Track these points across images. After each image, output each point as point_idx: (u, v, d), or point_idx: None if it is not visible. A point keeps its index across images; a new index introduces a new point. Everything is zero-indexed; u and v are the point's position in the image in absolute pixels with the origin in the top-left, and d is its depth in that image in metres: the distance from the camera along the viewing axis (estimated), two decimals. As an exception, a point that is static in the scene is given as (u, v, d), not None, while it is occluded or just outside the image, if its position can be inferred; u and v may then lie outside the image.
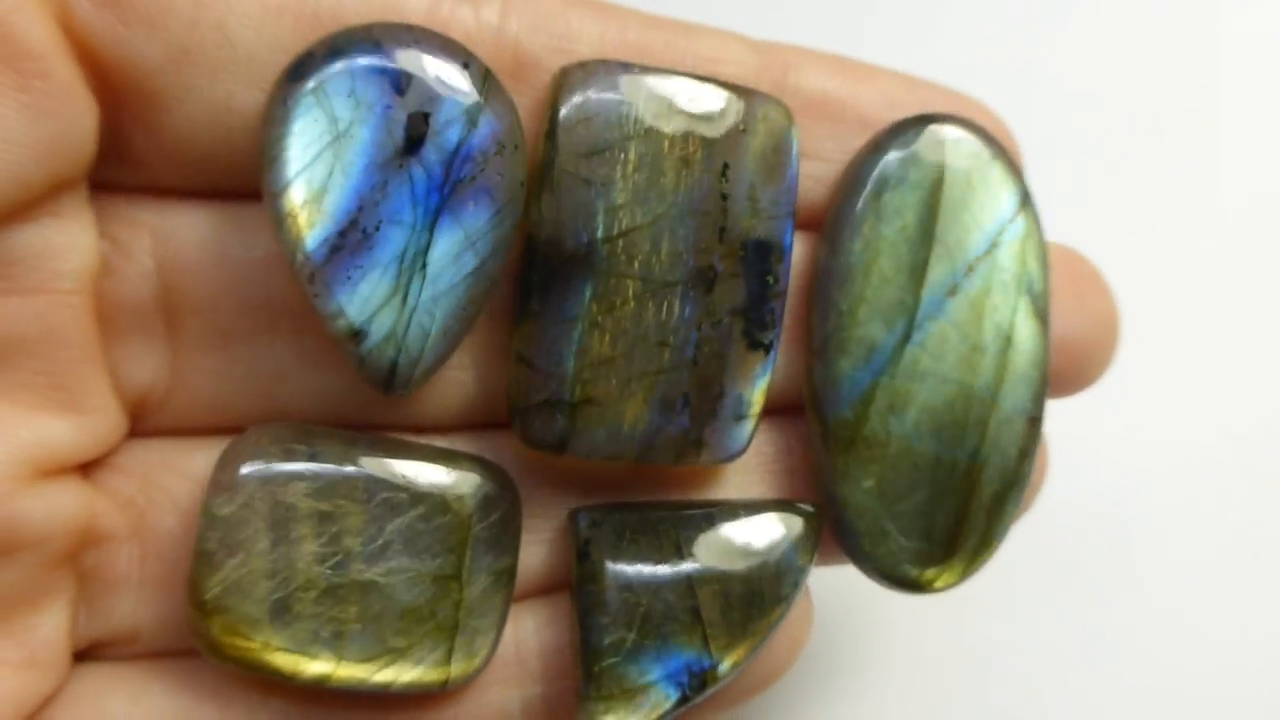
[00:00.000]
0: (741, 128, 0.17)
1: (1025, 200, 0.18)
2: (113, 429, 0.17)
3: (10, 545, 0.16)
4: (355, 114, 0.15)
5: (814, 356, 0.18)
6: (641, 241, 0.17)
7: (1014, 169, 0.19)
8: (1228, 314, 0.27)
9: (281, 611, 0.16)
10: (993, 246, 0.18)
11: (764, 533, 0.18)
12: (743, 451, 0.18)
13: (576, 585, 0.18)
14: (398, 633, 0.17)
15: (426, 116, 0.16)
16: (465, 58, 0.16)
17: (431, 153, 0.16)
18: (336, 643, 0.16)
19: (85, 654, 0.17)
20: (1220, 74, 0.29)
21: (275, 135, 0.15)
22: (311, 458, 0.17)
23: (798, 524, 0.18)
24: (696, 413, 0.17)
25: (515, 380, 0.17)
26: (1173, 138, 0.28)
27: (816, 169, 0.19)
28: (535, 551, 0.19)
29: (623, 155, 0.17)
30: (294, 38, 0.16)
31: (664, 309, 0.17)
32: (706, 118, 0.17)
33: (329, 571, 0.16)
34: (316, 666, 0.16)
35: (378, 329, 0.16)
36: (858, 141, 0.19)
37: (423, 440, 0.18)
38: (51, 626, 0.17)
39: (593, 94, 0.17)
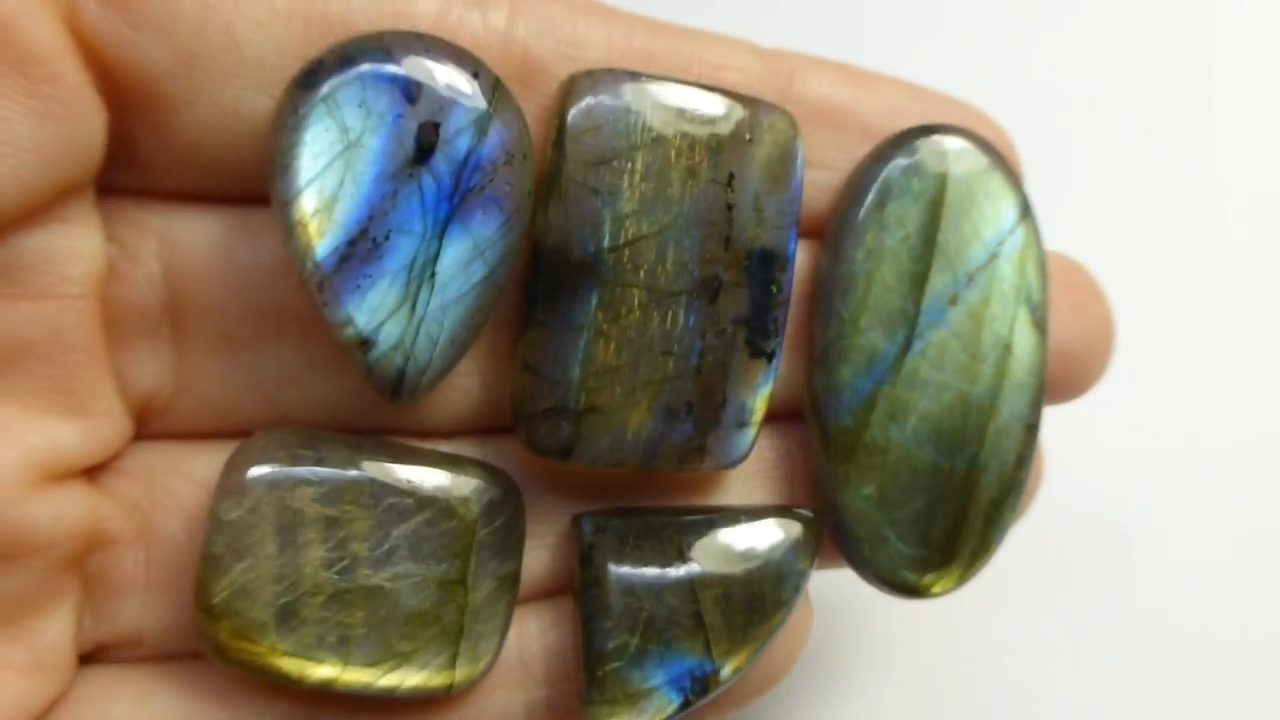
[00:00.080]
0: (747, 137, 0.17)
1: (1025, 211, 0.19)
2: (118, 433, 0.17)
3: (17, 550, 0.16)
4: (366, 123, 0.15)
5: (815, 364, 0.19)
6: (647, 251, 0.17)
7: (1014, 179, 0.19)
8: (1221, 321, 0.28)
9: (288, 616, 0.16)
10: (993, 257, 0.18)
11: (765, 538, 0.18)
12: (745, 458, 0.18)
13: (580, 590, 0.18)
14: (403, 637, 0.17)
15: (437, 126, 0.16)
16: (475, 66, 0.16)
17: (441, 162, 0.16)
18: (342, 647, 0.17)
19: (90, 657, 0.17)
20: (1218, 84, 0.29)
21: (286, 144, 0.15)
22: (318, 463, 0.17)
23: (798, 529, 0.18)
24: (700, 420, 0.18)
25: (520, 387, 0.17)
26: (1169, 146, 0.28)
27: (820, 177, 0.19)
28: (538, 556, 0.19)
29: (630, 164, 0.17)
30: (303, 43, 0.16)
31: (669, 318, 0.17)
32: (713, 127, 0.17)
33: (335, 576, 0.17)
34: (322, 671, 0.17)
35: (386, 337, 0.16)
36: (861, 150, 0.19)
37: (427, 445, 0.18)
38: (57, 630, 0.17)
39: (600, 103, 0.17)
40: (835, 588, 0.23)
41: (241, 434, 0.17)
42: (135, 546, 0.17)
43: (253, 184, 0.16)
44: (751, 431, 0.18)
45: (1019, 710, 0.25)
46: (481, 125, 0.16)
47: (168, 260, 0.17)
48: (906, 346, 0.18)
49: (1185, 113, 0.29)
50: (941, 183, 0.18)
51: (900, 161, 0.18)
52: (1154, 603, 0.26)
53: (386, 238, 0.16)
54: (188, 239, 0.17)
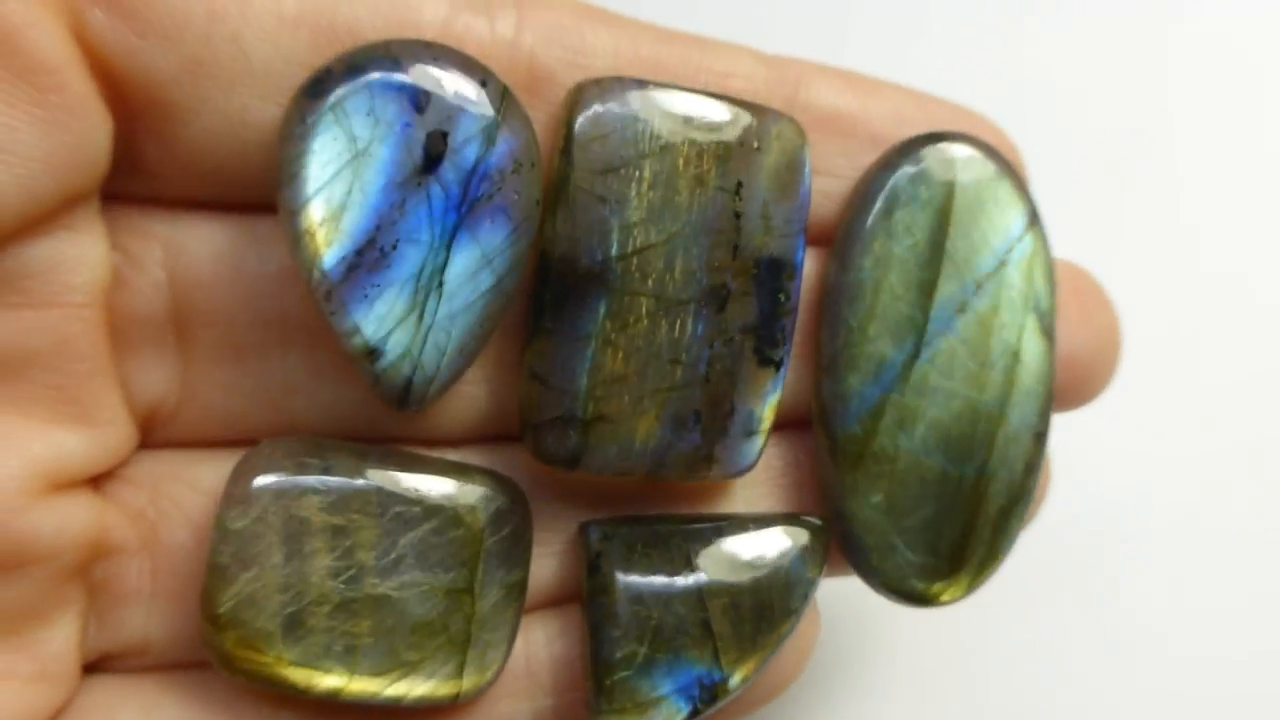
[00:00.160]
0: (755, 145, 0.17)
1: (1033, 218, 0.19)
2: (123, 442, 0.17)
3: (22, 559, 0.16)
4: (374, 132, 0.15)
5: (823, 372, 0.19)
6: (655, 259, 0.17)
7: (1021, 187, 0.19)
8: (1226, 328, 0.28)
9: (295, 625, 0.16)
10: (1001, 264, 0.18)
11: (773, 546, 0.18)
12: (752, 467, 0.18)
13: (588, 598, 0.18)
14: (410, 646, 0.17)
15: (445, 135, 0.16)
16: (483, 75, 0.16)
17: (449, 171, 0.16)
18: (349, 657, 0.17)
19: (95, 666, 0.17)
20: (1223, 91, 0.29)
21: (294, 152, 0.15)
22: (325, 471, 0.17)
23: (806, 537, 0.18)
24: (708, 429, 0.18)
25: (528, 396, 0.17)
26: (1172, 153, 0.28)
27: (827, 185, 0.19)
28: (545, 565, 0.19)
29: (638, 173, 0.17)
30: (310, 52, 0.16)
31: (677, 327, 0.17)
32: (721, 135, 0.17)
33: (342, 585, 0.16)
34: (329, 680, 0.16)
35: (393, 347, 0.16)
36: (867, 158, 0.19)
37: (434, 453, 0.18)
38: (62, 639, 0.17)
39: (608, 111, 0.17)
40: (842, 596, 0.23)
41: (247, 443, 0.17)
42: (140, 555, 0.17)
43: (259, 192, 0.16)
44: (759, 440, 0.18)
45: (1024, 717, 0.25)
46: (490, 134, 0.16)
47: (173, 268, 0.17)
48: (915, 354, 0.18)
49: (1188, 120, 0.29)
50: (949, 190, 0.18)
51: (908, 169, 0.18)
52: (1161, 610, 0.26)
53: (394, 247, 0.16)
54: (193, 247, 0.17)
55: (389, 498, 0.17)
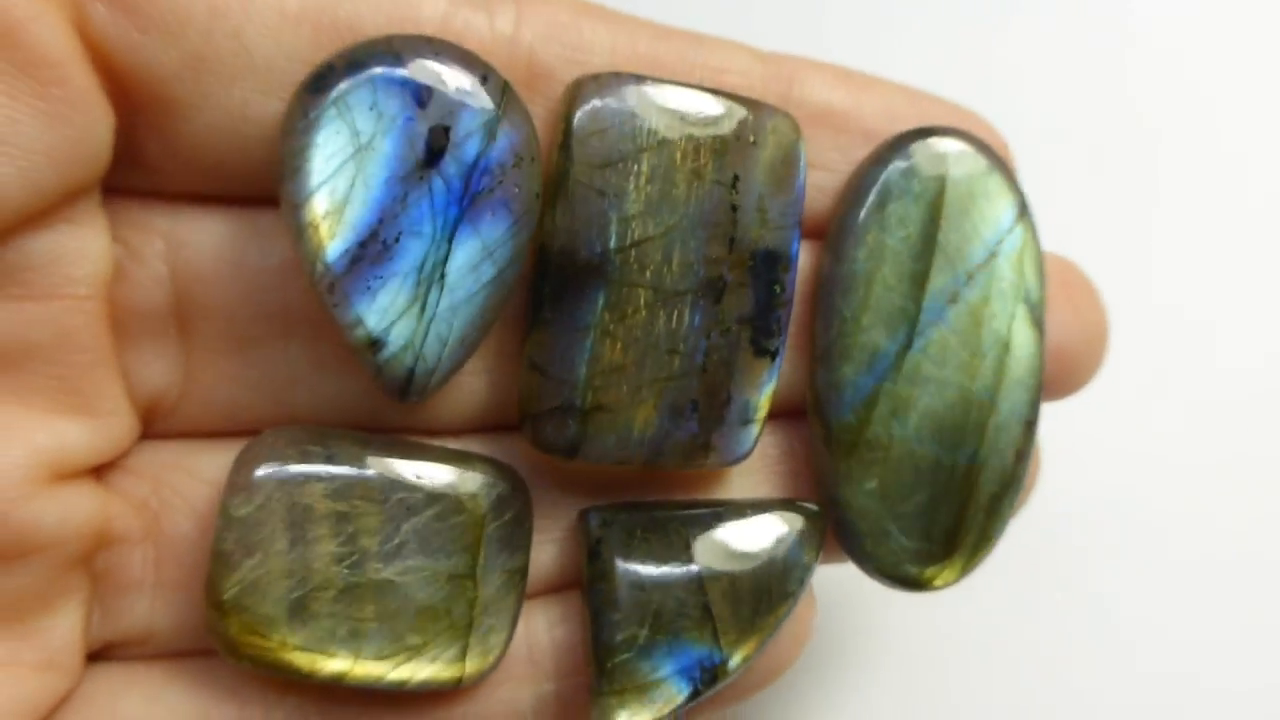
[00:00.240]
0: (751, 140, 0.18)
1: (1023, 211, 0.19)
2: (126, 432, 0.17)
3: (25, 548, 0.16)
4: (377, 126, 0.15)
5: (817, 362, 0.19)
6: (653, 252, 0.17)
7: (1012, 180, 0.19)
8: (1213, 319, 0.28)
9: (299, 611, 0.16)
10: (992, 256, 0.19)
11: (770, 531, 0.18)
12: (748, 455, 0.19)
13: (588, 583, 0.18)
14: (413, 631, 0.17)
15: (447, 129, 0.16)
16: (484, 70, 0.16)
17: (451, 165, 0.16)
18: (353, 641, 0.17)
19: (99, 654, 0.18)
20: (1214, 83, 0.29)
21: (297, 146, 0.15)
22: (328, 459, 0.17)
23: (802, 522, 0.19)
24: (705, 418, 0.18)
25: (527, 386, 0.18)
26: (1161, 146, 0.29)
27: (820, 179, 0.19)
28: (545, 552, 0.19)
29: (636, 167, 0.17)
30: (311, 47, 0.16)
31: (674, 318, 0.17)
32: (717, 130, 0.17)
33: (346, 571, 0.17)
34: (333, 665, 0.17)
35: (396, 338, 0.16)
36: (861, 152, 0.19)
37: (435, 442, 0.18)
38: (66, 628, 0.17)
39: (606, 106, 0.17)
40: (837, 582, 0.23)
41: (250, 434, 0.17)
42: (144, 545, 0.17)
43: (259, 187, 0.17)
44: (755, 429, 0.18)
45: (1019, 700, 0.26)
46: (491, 128, 0.16)
47: (174, 261, 0.17)
48: (907, 344, 0.18)
49: (1178, 113, 0.29)
50: (941, 184, 0.19)
51: (900, 164, 0.18)
52: (1152, 598, 0.26)
53: (397, 240, 0.16)
54: (195, 240, 0.17)
55: (391, 484, 0.17)
